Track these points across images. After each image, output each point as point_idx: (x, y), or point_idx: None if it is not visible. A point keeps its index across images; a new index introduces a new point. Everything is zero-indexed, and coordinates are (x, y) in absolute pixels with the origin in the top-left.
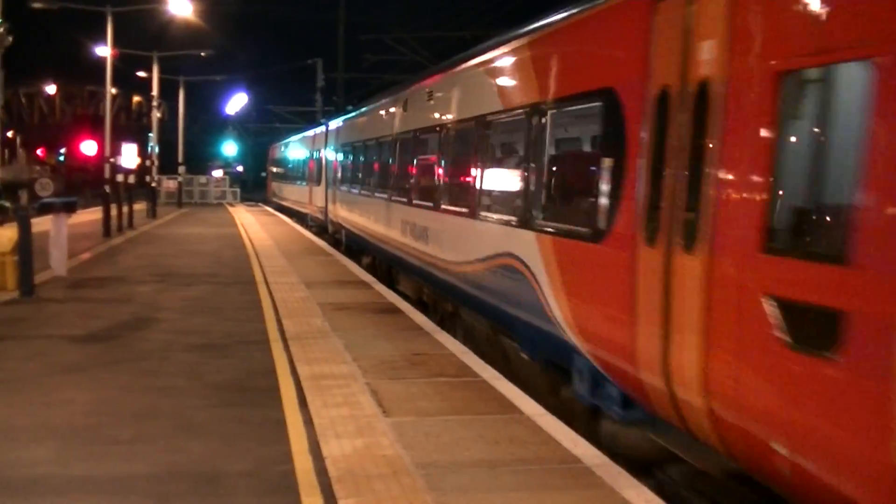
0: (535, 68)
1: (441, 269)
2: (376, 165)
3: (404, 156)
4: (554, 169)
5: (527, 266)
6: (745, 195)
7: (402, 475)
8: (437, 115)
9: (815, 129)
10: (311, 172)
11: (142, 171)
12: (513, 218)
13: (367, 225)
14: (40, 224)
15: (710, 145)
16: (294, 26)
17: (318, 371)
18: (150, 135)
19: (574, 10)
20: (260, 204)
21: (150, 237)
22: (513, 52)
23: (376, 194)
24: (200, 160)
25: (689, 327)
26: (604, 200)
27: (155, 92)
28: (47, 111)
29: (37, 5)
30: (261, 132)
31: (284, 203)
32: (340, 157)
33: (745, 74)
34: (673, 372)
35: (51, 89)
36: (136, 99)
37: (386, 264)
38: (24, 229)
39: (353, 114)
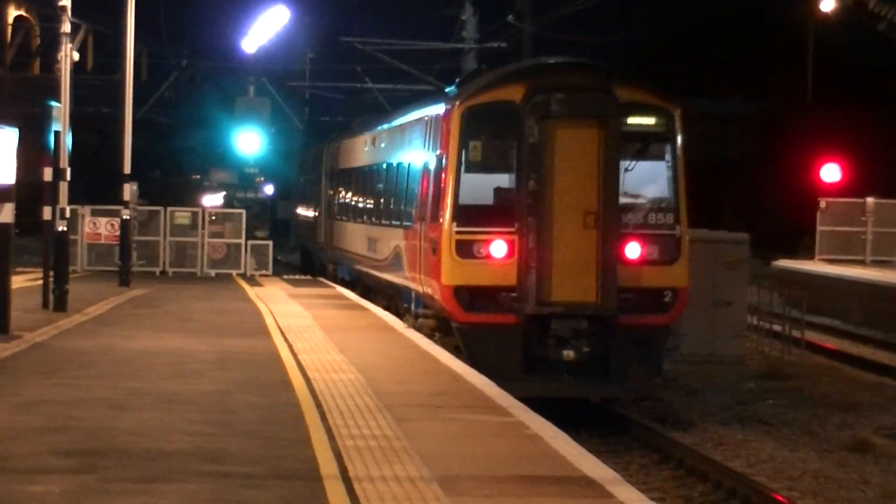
0: (383, 141)
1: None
2: None
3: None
4: (399, 193)
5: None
6: (424, 201)
7: None
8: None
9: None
10: (422, 202)
11: (33, 192)
12: (396, 222)
13: None
14: None
15: (417, 185)
16: None
17: None
18: (53, 108)
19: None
20: (320, 280)
21: (51, 358)
22: (376, 134)
23: None
24: (181, 168)
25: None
26: (410, 208)
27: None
28: None
29: None
30: (322, 105)
31: (358, 267)
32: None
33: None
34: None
35: None
36: (16, 14)
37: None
38: None
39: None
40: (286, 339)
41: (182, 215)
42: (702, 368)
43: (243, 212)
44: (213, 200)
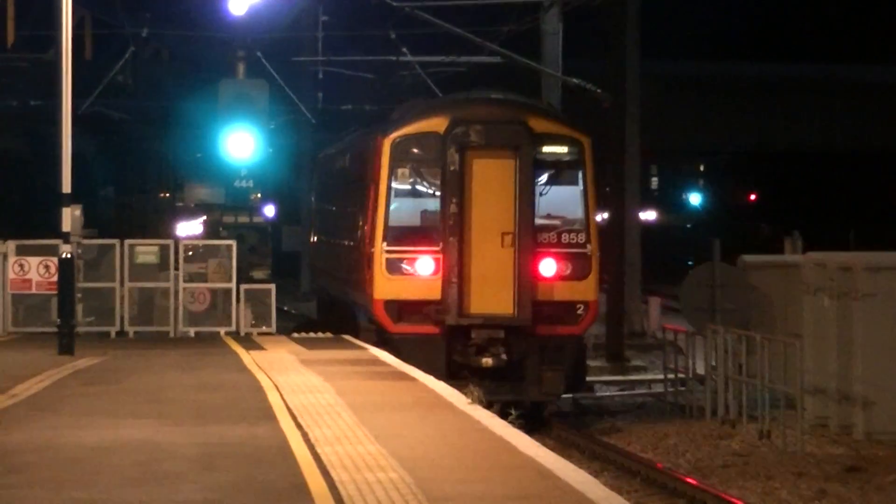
0: (344, 161)
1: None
2: None
3: None
4: (353, 213)
5: None
6: (365, 221)
7: None
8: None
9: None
10: (363, 222)
11: None
12: (350, 241)
13: None
14: None
15: (361, 207)
16: None
17: None
18: None
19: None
20: (346, 339)
21: None
22: (341, 151)
23: None
24: (144, 183)
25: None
26: (358, 229)
27: None
28: None
29: None
30: (342, 89)
31: (334, 294)
32: None
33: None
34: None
35: None
36: None
37: None
38: None
39: None
40: (298, 425)
41: (146, 251)
42: None
43: (233, 243)
44: (190, 228)
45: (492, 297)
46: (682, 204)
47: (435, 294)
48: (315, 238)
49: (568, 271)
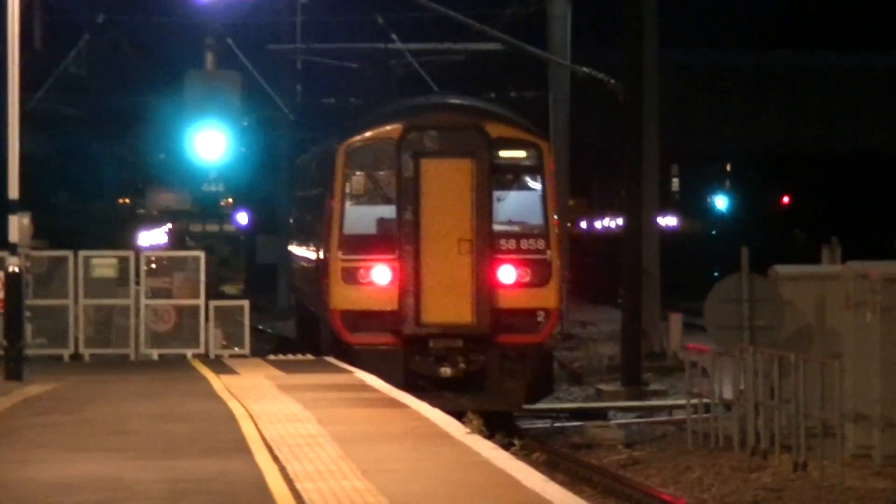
0: (309, 169)
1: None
2: None
3: None
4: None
5: None
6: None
7: None
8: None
9: None
10: (321, 232)
11: None
12: (313, 251)
13: None
14: None
15: (321, 216)
16: None
17: None
18: None
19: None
20: (329, 361)
21: None
22: (308, 161)
23: None
24: (101, 188)
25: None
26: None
27: None
28: None
29: None
30: (324, 81)
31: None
32: None
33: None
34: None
35: None
36: None
37: None
38: None
39: None
40: (276, 458)
41: (104, 264)
42: None
43: (202, 255)
44: (153, 238)
45: (449, 305)
46: (707, 208)
47: (392, 303)
48: (292, 249)
49: (527, 278)
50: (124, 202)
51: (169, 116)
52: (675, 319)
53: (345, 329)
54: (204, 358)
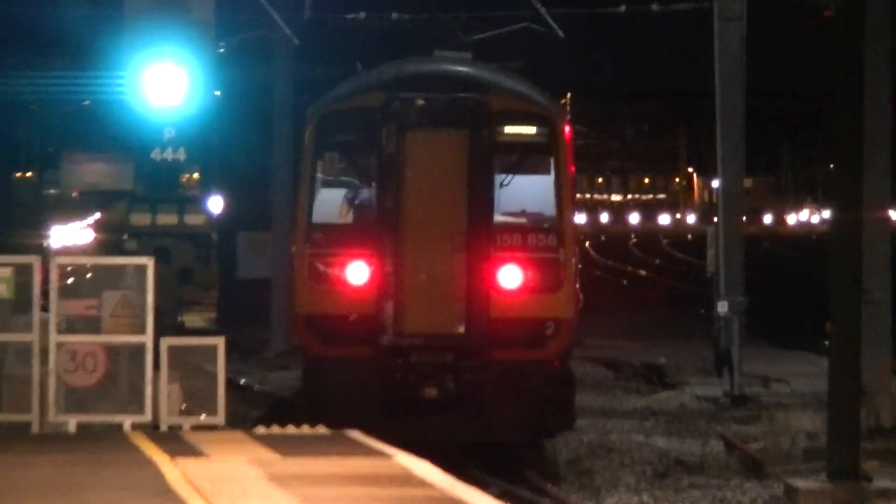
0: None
1: None
2: None
3: None
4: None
5: None
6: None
7: None
8: None
9: None
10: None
11: None
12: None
13: None
14: None
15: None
16: None
17: None
18: None
19: None
20: (350, 436)
21: None
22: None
23: None
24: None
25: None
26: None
27: None
28: None
29: None
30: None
31: None
32: None
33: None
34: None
35: None
36: None
37: None
38: None
39: None
40: None
41: None
42: None
43: (150, 263)
44: (71, 234)
45: (437, 312)
46: None
47: (368, 308)
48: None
49: (534, 281)
50: (24, 177)
51: (100, 38)
52: None
53: (311, 338)
54: (152, 430)
